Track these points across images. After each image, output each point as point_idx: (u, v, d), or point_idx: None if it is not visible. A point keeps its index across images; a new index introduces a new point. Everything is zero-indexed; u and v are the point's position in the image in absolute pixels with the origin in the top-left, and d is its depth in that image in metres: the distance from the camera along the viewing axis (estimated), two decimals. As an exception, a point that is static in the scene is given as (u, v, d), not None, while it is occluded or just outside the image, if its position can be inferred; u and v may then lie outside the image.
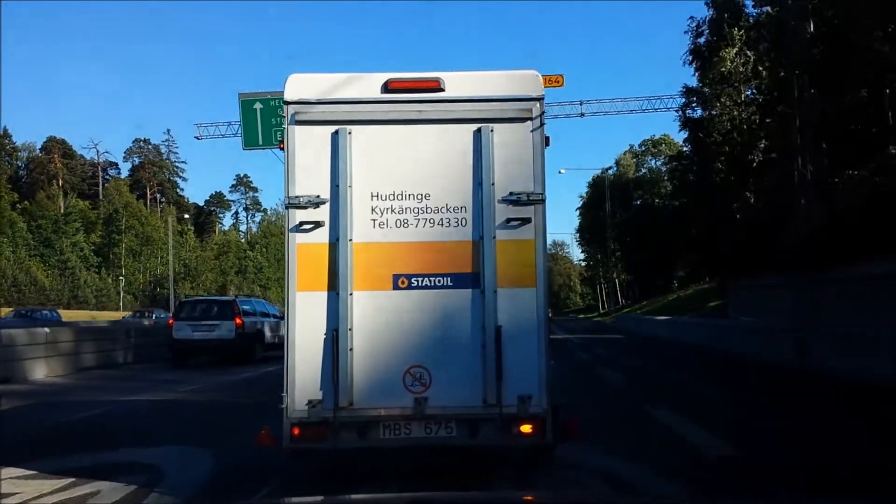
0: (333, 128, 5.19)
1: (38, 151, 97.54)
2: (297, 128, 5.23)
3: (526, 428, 5.06)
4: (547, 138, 5.29)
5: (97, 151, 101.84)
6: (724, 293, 32.04)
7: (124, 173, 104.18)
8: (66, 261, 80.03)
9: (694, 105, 31.59)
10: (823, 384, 12.49)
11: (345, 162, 5.16)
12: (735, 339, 19.59)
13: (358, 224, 5.15)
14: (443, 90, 5.24)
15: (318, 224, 5.14)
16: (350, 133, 5.20)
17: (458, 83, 5.28)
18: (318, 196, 5.16)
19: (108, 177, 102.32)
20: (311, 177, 5.19)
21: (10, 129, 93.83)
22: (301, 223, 5.14)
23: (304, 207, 5.14)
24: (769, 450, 6.99)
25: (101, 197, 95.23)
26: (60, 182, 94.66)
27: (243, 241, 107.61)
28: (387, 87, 5.24)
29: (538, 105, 5.25)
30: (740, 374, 14.90)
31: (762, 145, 25.43)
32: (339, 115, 5.21)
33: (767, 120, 24.65)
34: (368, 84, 5.27)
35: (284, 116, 5.28)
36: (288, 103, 5.25)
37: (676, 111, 33.67)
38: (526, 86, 5.32)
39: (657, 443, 7.30)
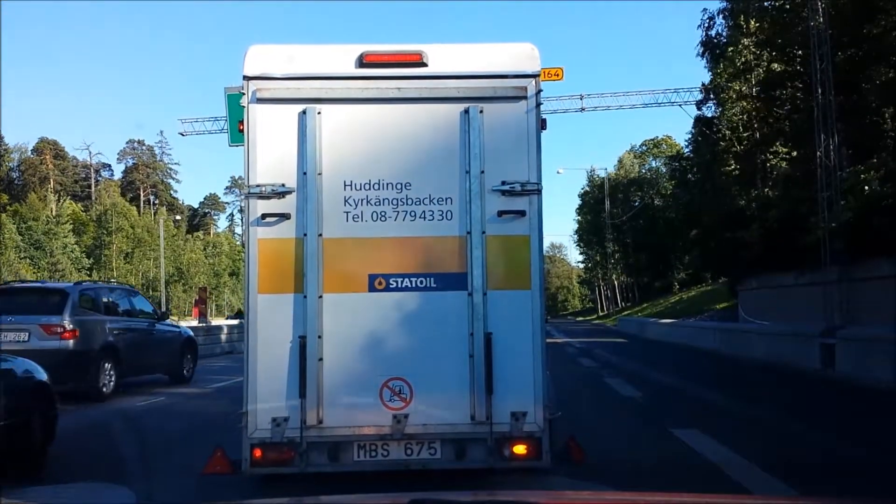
0: (301, 107, 4.69)
1: (29, 153, 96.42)
2: (259, 107, 4.69)
3: (520, 448, 4.63)
4: (543, 120, 4.81)
5: (90, 153, 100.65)
6: (734, 294, 30.79)
7: (118, 175, 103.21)
8: (57, 263, 78.95)
9: (710, 102, 30.51)
10: (868, 396, 11.26)
11: (314, 146, 4.66)
12: (753, 344, 18.23)
13: (329, 217, 4.66)
14: (426, 65, 4.73)
15: (282, 217, 4.64)
16: (320, 113, 4.69)
17: (443, 57, 4.77)
18: (282, 185, 4.65)
19: (100, 178, 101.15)
20: (275, 163, 4.68)
21: (1, 131, 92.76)
22: (263, 216, 4.64)
23: (267, 198, 4.64)
24: (836, 488, 5.62)
25: (93, 199, 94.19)
26: (52, 184, 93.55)
27: (238, 242, 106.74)
28: (362, 62, 4.73)
29: (534, 83, 4.74)
30: (769, 385, 13.51)
31: (777, 141, 24.36)
32: (307, 92, 4.70)
33: (785, 108, 23.51)
34: (341, 57, 4.76)
35: (244, 93, 4.71)
36: (248, 78, 4.70)
37: (681, 105, 32.55)
38: (520, 61, 4.80)
39: (694, 479, 5.96)
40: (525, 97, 4.73)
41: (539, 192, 4.72)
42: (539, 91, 4.76)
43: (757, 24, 24.82)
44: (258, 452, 4.58)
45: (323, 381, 4.58)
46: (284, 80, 4.71)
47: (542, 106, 4.80)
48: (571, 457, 4.87)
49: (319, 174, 4.67)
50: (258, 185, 4.66)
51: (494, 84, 4.74)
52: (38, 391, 6.49)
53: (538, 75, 4.78)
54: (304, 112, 4.69)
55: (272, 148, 4.69)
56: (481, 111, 4.70)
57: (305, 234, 4.63)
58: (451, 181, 4.70)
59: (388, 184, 4.69)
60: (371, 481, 4.67)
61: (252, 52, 4.78)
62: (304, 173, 4.65)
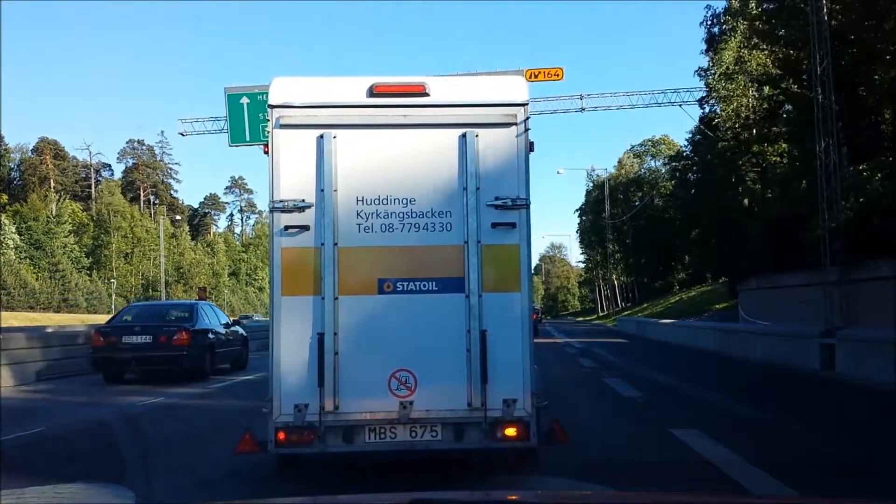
0: (318, 132, 5.23)
1: (29, 153, 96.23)
2: (282, 131, 5.24)
3: (511, 431, 5.12)
4: (531, 143, 5.33)
5: (90, 153, 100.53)
6: (734, 294, 30.73)
7: (118, 175, 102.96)
8: (57, 263, 78.76)
9: (711, 99, 30.56)
10: (867, 397, 11.28)
11: (330, 166, 5.19)
12: (753, 345, 18.20)
13: (343, 228, 5.19)
14: (428, 95, 5.29)
15: (303, 228, 5.18)
16: (335, 137, 5.22)
17: (443, 88, 5.37)
18: (303, 200, 5.19)
19: (100, 178, 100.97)
20: (295, 181, 5.21)
21: (1, 131, 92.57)
22: (286, 227, 5.18)
23: (289, 211, 5.19)
24: (836, 489, 5.60)
25: (93, 199, 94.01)
26: (52, 184, 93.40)
27: (238, 242, 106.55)
28: (372, 92, 5.28)
29: (523, 110, 5.32)
30: (768, 385, 13.51)
31: (777, 138, 24.36)
32: (324, 119, 5.25)
33: (785, 108, 23.48)
34: (354, 88, 5.32)
35: (269, 120, 5.29)
36: (273, 107, 5.27)
37: (681, 105, 32.49)
38: (511, 91, 5.38)
39: (694, 479, 5.95)
40: (515, 123, 5.28)
41: (528, 206, 5.25)
42: (527, 118, 5.32)
43: (754, 14, 24.85)
44: (282, 435, 5.09)
45: (339, 373, 5.10)
46: (304, 108, 5.26)
47: (530, 131, 5.33)
48: (556, 438, 5.41)
49: (335, 191, 5.20)
50: (281, 201, 5.20)
51: (488, 112, 5.29)
52: (244, 338, 16.57)
53: (527, 104, 5.36)
54: (321, 136, 5.23)
55: (293, 168, 5.23)
56: (477, 136, 5.24)
57: (323, 244, 5.16)
58: (451, 197, 5.24)
59: (395, 199, 5.23)
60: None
61: (275, 83, 5.33)
62: (322, 190, 5.19)
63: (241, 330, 16.81)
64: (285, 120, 5.25)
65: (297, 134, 5.25)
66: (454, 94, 5.36)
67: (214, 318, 15.50)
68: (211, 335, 14.76)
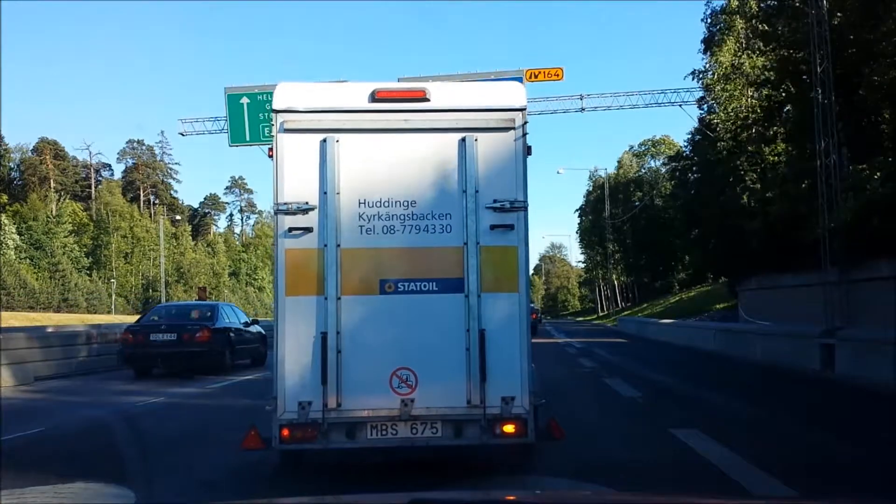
0: (321, 136, 5.33)
1: (29, 153, 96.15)
2: (286, 136, 5.36)
3: (509, 428, 5.23)
4: (529, 147, 5.44)
5: (90, 153, 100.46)
6: (734, 294, 30.73)
7: (118, 175, 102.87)
8: (57, 263, 78.70)
9: (708, 102, 30.53)
10: (867, 397, 11.26)
11: (332, 170, 5.31)
12: (753, 345, 18.17)
13: (346, 230, 5.30)
14: (428, 100, 5.40)
15: (306, 230, 5.29)
16: (338, 141, 5.33)
17: (443, 93, 5.49)
18: (306, 203, 5.30)
19: (100, 178, 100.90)
20: (299, 184, 5.32)
21: (1, 131, 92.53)
22: (290, 229, 5.30)
23: (293, 214, 5.30)
24: (836, 488, 5.60)
25: (93, 199, 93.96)
26: (52, 184, 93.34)
27: (238, 242, 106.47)
28: (374, 97, 5.39)
29: (521, 115, 5.43)
30: (768, 385, 13.50)
31: (776, 137, 24.34)
32: (327, 123, 5.36)
33: (786, 108, 23.47)
34: (356, 93, 5.43)
35: (273, 124, 5.41)
36: (277, 112, 5.39)
37: (681, 105, 32.44)
38: (509, 96, 5.51)
39: (694, 479, 5.94)
40: (513, 128, 5.40)
41: (525, 208, 5.36)
42: (525, 122, 5.43)
43: (752, 13, 24.80)
44: (286, 432, 5.20)
45: (341, 371, 5.21)
46: (307, 113, 5.37)
47: (528, 135, 5.43)
48: (553, 434, 5.53)
49: (338, 194, 5.31)
50: (285, 203, 5.31)
51: (487, 116, 5.40)
52: (262, 336, 17.36)
53: (525, 109, 5.47)
54: (324, 140, 5.33)
55: (297, 171, 5.33)
56: (476, 140, 5.36)
57: (326, 245, 5.27)
58: (451, 199, 5.35)
59: (396, 202, 5.34)
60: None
61: (280, 88, 5.47)
62: (325, 193, 5.30)
63: (259, 328, 17.82)
64: (289, 124, 5.36)
65: (301, 138, 5.35)
66: (454, 99, 5.47)
67: (234, 318, 16.94)
68: (231, 333, 16.02)
